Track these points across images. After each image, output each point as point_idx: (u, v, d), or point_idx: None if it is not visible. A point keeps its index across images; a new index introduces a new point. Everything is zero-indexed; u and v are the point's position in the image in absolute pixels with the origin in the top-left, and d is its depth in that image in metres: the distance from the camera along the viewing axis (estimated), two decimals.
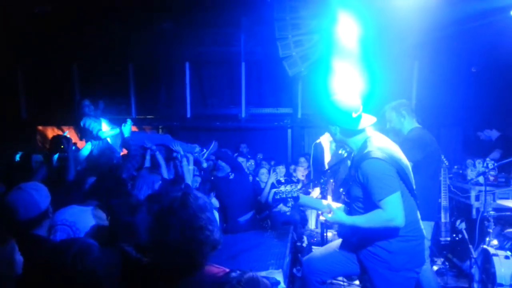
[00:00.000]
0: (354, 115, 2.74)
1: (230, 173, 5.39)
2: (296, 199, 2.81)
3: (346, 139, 2.85)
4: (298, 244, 5.75)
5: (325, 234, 5.00)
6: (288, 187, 2.79)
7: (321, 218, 4.90)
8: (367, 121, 2.80)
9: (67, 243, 1.67)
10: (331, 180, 4.60)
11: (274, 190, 2.82)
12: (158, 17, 8.13)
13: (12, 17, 7.82)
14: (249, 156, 7.20)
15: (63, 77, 8.75)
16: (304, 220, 6.24)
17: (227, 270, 1.99)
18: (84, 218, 2.98)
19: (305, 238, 5.98)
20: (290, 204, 2.52)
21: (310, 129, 8.06)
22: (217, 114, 8.73)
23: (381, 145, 2.74)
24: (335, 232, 4.94)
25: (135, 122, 8.98)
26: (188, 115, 8.67)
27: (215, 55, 8.63)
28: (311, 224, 6.81)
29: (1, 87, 8.61)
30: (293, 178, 6.20)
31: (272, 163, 7.08)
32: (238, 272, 1.63)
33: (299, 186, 2.67)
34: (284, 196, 2.79)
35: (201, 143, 8.27)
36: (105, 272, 1.63)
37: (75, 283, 1.55)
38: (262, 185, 5.97)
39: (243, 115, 8.45)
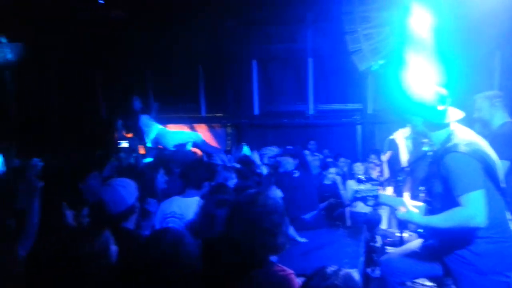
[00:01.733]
0: (440, 107, 2.61)
1: (294, 171, 5.36)
2: (376, 197, 2.73)
3: (429, 132, 2.73)
4: (371, 244, 5.60)
5: (401, 234, 4.81)
6: (369, 186, 2.72)
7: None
8: (454, 115, 2.66)
9: (161, 232, 1.75)
10: (408, 178, 4.42)
11: (355, 188, 2.76)
12: (221, 16, 8.27)
13: (90, 22, 8.43)
14: (316, 154, 7.11)
15: (137, 80, 9.21)
16: (378, 220, 6.06)
17: (290, 270, 1.97)
18: (191, 209, 3.13)
19: (378, 238, 5.82)
20: (370, 203, 2.45)
21: (382, 125, 7.77)
22: (284, 111, 8.73)
23: (467, 139, 2.58)
24: (412, 234, 4.74)
25: (204, 121, 9.28)
26: (256, 113, 8.76)
27: (281, 52, 8.62)
28: (385, 224, 6.60)
29: (83, 89, 9.26)
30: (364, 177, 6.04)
31: (342, 160, 6.94)
32: (333, 268, 1.61)
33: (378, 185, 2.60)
34: (364, 195, 2.72)
35: (268, 140, 8.37)
36: (196, 261, 1.68)
37: (169, 271, 1.60)
38: (327, 182, 5.87)
39: (311, 111, 8.37)
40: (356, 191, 2.72)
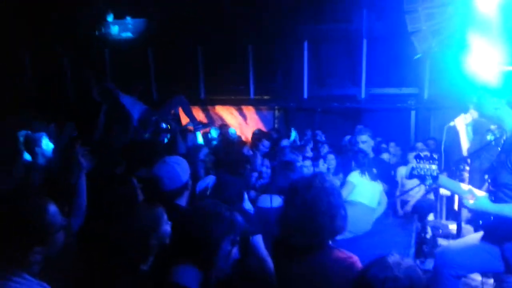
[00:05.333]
0: None
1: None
2: (435, 178, 2.58)
3: (503, 117, 2.55)
4: (422, 235, 5.41)
5: (458, 226, 4.59)
6: (427, 165, 2.56)
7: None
8: None
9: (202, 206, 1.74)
10: (467, 168, 4.17)
11: (412, 165, 2.61)
12: None
13: None
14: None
15: (188, 59, 9.28)
16: (430, 210, 5.82)
17: (353, 256, 1.91)
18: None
19: (429, 229, 5.61)
20: (428, 183, 2.29)
21: (438, 111, 7.39)
22: (334, 94, 8.46)
23: None
24: (470, 228, 4.50)
25: (252, 103, 9.24)
26: (305, 96, 8.59)
27: (334, 32, 8.32)
28: (438, 215, 6.37)
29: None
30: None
31: (392, 144, 6.71)
32: (394, 257, 1.50)
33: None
34: (422, 173, 2.57)
35: (316, 124, 8.20)
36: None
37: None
38: None
39: (363, 95, 8.09)
40: (413, 168, 2.57)
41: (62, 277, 1.91)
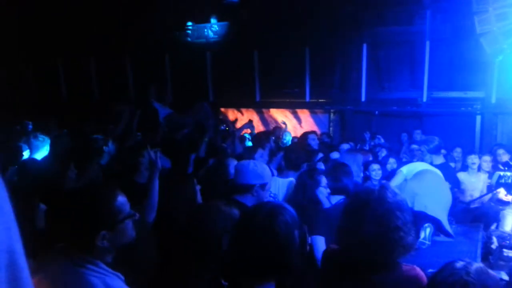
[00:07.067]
0: None
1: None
2: None
3: None
4: (488, 244, 5.14)
5: None
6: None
7: None
8: None
9: (260, 205, 1.69)
10: None
11: (499, 173, 2.50)
12: (339, 2, 8.06)
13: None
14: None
15: (244, 63, 9.42)
16: (496, 219, 5.51)
17: (415, 267, 1.82)
18: (283, 189, 3.22)
19: (494, 239, 5.31)
20: None
21: (506, 116, 7.00)
22: (393, 98, 8.29)
23: None
24: None
25: (307, 106, 9.19)
26: (363, 99, 8.43)
27: (395, 35, 8.18)
28: (505, 225, 6.00)
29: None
30: None
31: (458, 150, 6.39)
32: (463, 262, 1.46)
33: None
34: (510, 181, 2.45)
35: (374, 128, 8.02)
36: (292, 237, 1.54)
37: (263, 242, 1.49)
38: None
39: (424, 99, 7.80)
40: (500, 177, 2.45)
41: (136, 270, 1.97)
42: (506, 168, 2.31)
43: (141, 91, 9.52)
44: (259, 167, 2.75)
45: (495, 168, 5.64)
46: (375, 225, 1.75)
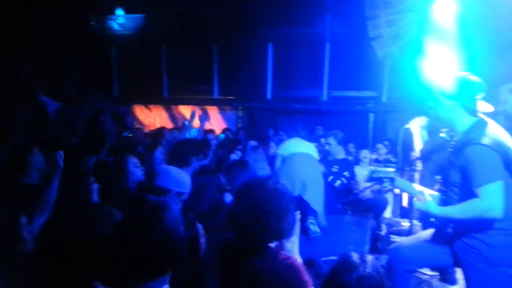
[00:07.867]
0: (478, 96, 2.60)
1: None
2: (392, 180, 2.69)
3: (455, 119, 2.68)
4: (377, 232, 5.56)
5: (410, 223, 4.76)
6: (385, 168, 2.67)
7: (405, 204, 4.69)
8: (484, 107, 2.63)
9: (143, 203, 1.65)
10: (419, 168, 4.35)
11: (371, 168, 2.71)
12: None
13: None
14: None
15: (151, 58, 9.16)
16: (384, 208, 6.02)
17: (291, 256, 1.90)
18: None
19: (383, 226, 5.78)
20: (386, 185, 2.39)
21: (395, 114, 7.66)
22: (297, 96, 8.63)
23: (490, 131, 2.55)
24: (419, 223, 4.69)
25: (216, 103, 9.22)
26: (269, 97, 8.67)
27: (298, 35, 8.48)
28: (390, 213, 6.55)
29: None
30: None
31: (351, 145, 6.85)
32: (357, 255, 1.53)
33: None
34: (381, 176, 2.67)
35: (280, 125, 8.29)
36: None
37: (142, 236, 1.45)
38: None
39: (325, 97, 8.27)
40: (373, 171, 2.67)
41: None
42: (382, 165, 2.56)
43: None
44: (183, 176, 2.72)
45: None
46: (251, 209, 1.82)
